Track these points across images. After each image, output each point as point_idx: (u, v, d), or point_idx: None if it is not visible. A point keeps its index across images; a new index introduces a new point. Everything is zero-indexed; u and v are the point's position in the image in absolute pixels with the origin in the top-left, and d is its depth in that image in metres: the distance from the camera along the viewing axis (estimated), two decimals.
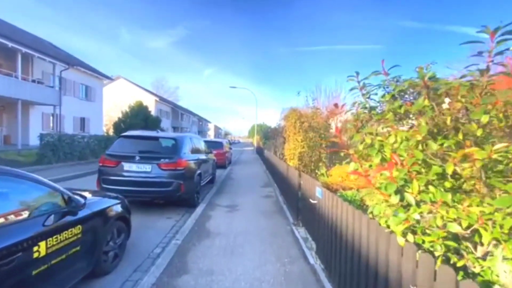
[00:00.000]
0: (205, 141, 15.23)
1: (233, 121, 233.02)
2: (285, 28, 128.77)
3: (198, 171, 6.47)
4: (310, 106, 9.02)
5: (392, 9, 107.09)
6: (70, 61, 18.48)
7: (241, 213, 5.56)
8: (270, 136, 17.52)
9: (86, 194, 3.01)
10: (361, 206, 5.44)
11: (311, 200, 3.77)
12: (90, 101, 23.15)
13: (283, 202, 6.47)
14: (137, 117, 31.67)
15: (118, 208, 3.24)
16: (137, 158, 5.40)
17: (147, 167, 5.39)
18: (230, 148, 17.30)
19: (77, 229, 2.40)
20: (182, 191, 5.52)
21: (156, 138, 5.94)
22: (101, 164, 5.52)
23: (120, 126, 31.28)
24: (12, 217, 1.89)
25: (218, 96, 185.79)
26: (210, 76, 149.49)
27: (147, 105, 33.82)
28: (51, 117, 18.32)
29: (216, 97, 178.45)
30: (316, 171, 6.93)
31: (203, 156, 7.52)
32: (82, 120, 22.36)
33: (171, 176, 5.41)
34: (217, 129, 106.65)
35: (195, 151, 6.88)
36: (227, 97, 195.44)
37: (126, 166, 5.41)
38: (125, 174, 5.38)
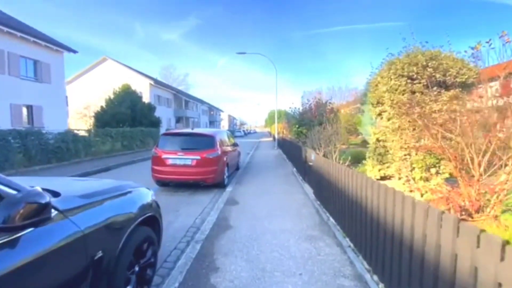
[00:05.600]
0: (167, 136, 7.02)
1: (249, 111, 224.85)
2: (299, 10, 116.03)
3: None
4: None
5: None
6: None
7: None
8: (307, 122, 9.60)
9: None
10: None
11: None
12: (42, 83, 16.21)
13: None
14: (123, 104, 24.94)
15: None
16: None
17: None
18: (236, 145, 9.62)
19: None
20: None
21: None
22: None
23: (103, 117, 24.72)
24: None
25: (233, 85, 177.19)
26: (224, 66, 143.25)
27: (137, 89, 26.89)
28: None
29: (231, 87, 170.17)
30: None
31: None
32: (29, 109, 15.59)
33: None
34: (231, 118, 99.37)
35: None
36: (242, 86, 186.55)
37: None
38: None
